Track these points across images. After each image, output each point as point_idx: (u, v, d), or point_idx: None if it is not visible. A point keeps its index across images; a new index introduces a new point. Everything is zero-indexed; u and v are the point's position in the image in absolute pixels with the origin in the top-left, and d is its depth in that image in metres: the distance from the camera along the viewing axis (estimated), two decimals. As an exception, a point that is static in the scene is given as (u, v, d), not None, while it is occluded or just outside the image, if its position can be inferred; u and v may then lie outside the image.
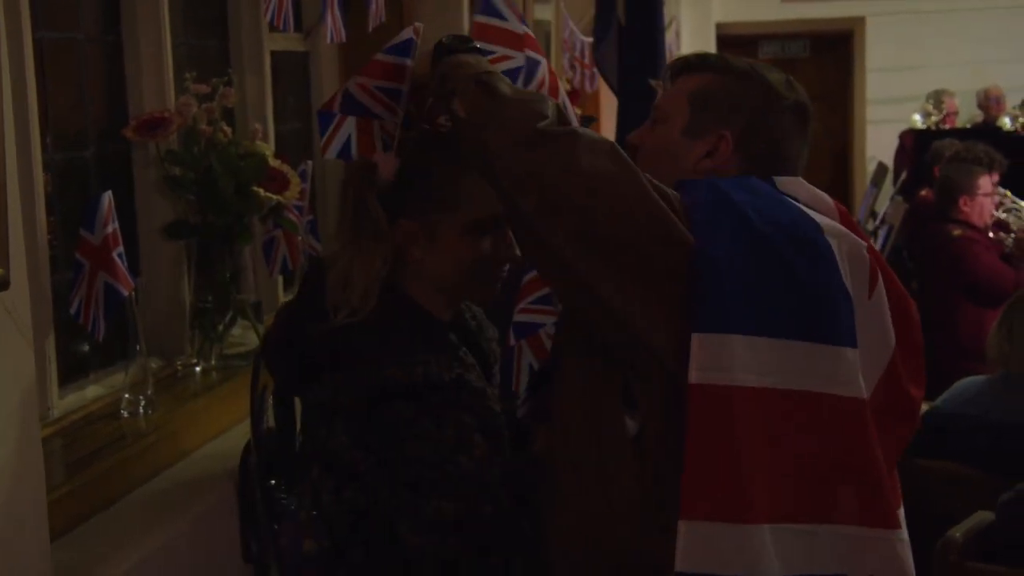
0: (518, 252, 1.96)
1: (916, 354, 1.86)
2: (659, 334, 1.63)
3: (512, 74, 2.07)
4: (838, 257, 1.70)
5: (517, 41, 2.16)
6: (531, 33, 2.20)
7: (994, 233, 5.77)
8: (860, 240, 1.77)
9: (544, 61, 2.19)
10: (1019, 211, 5.80)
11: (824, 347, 1.66)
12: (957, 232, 5.61)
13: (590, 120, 4.77)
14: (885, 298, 1.78)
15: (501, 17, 2.18)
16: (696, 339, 1.60)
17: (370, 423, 1.85)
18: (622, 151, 1.66)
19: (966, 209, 5.67)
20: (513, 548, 1.88)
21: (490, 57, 1.99)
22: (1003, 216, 5.78)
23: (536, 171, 1.62)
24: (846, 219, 1.82)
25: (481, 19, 2.17)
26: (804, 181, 1.83)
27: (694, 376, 1.60)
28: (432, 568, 1.87)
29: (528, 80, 2.15)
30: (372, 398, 1.84)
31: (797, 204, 1.75)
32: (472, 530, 1.84)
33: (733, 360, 1.61)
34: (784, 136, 1.84)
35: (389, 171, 1.94)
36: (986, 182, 5.72)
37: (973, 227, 5.67)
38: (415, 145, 1.98)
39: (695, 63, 1.90)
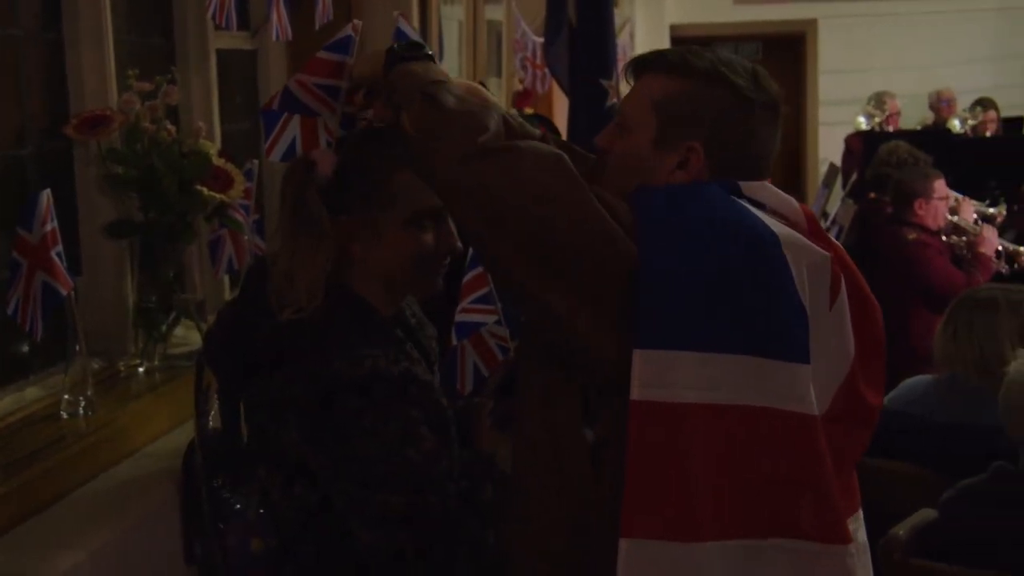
0: (459, 244, 1.98)
1: (877, 357, 1.85)
2: (605, 345, 1.62)
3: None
4: (794, 271, 1.66)
5: None
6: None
7: (947, 236, 5.82)
8: (822, 251, 1.73)
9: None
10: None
11: (773, 362, 1.63)
12: (912, 236, 5.66)
13: (540, 119, 4.74)
14: (847, 308, 1.76)
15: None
16: (638, 355, 1.59)
17: (321, 420, 1.85)
18: (568, 163, 1.65)
19: (921, 212, 5.72)
20: (459, 543, 1.88)
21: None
22: (956, 220, 5.84)
23: (478, 185, 1.61)
24: (813, 224, 1.79)
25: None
26: (770, 185, 1.80)
27: (636, 392, 1.59)
28: (382, 564, 1.86)
29: None
30: (322, 394, 1.84)
31: (757, 214, 1.71)
32: (421, 523, 1.84)
33: (677, 376, 1.60)
34: (754, 137, 1.81)
35: (327, 168, 1.94)
36: (941, 186, 5.77)
37: (927, 230, 5.72)
38: (353, 141, 1.98)
39: (654, 61, 1.85)
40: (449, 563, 1.88)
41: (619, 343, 1.61)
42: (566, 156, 1.68)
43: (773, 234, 1.67)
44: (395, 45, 1.85)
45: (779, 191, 1.81)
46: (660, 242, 1.63)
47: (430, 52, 1.87)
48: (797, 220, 1.77)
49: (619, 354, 1.60)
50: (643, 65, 1.86)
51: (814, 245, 1.73)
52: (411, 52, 1.83)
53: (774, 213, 1.75)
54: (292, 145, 2.02)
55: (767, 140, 1.83)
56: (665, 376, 1.59)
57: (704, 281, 1.61)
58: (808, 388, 1.65)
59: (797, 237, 1.71)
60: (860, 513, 1.82)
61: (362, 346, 1.87)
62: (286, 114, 2.02)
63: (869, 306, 1.84)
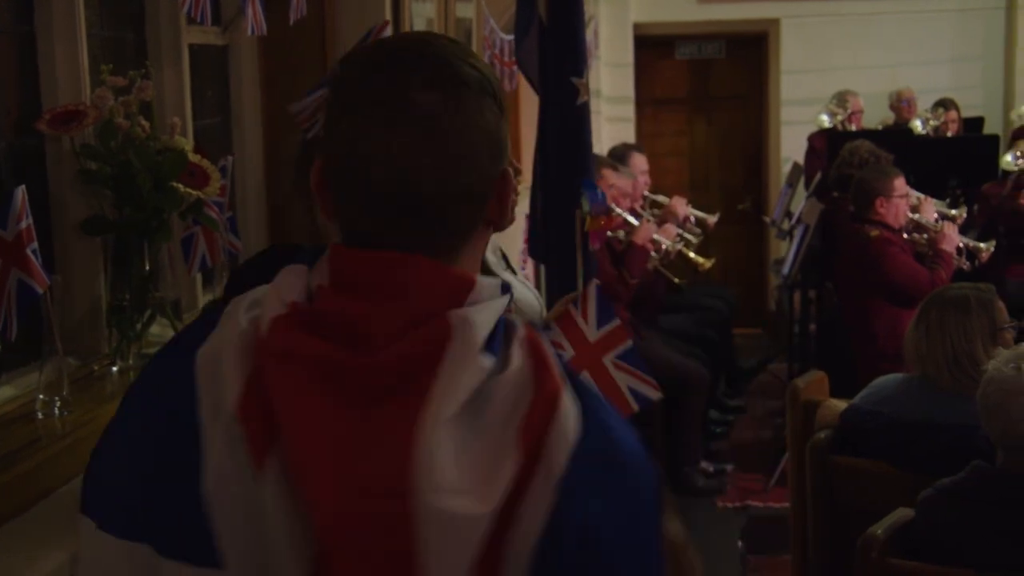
0: None
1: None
2: None
3: None
4: (208, 450, 1.18)
5: None
6: None
7: (908, 234, 5.89)
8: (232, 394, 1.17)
9: None
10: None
11: (167, 563, 1.19)
12: (874, 233, 5.72)
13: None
14: (296, 466, 1.13)
15: None
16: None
17: None
18: None
19: (882, 211, 5.79)
20: None
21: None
22: (917, 217, 5.90)
23: None
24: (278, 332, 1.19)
25: None
26: (287, 276, 1.26)
27: None
28: None
29: None
30: None
31: (191, 385, 1.20)
32: None
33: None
34: (355, 142, 1.24)
35: None
36: (901, 184, 5.84)
37: (889, 228, 5.78)
38: None
39: None
40: None
41: None
42: None
43: (189, 408, 1.20)
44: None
45: (288, 276, 1.26)
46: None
47: None
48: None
49: None
50: None
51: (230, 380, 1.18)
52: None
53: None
54: None
55: (368, 145, 1.23)
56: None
57: (121, 450, 1.26)
58: None
59: (225, 398, 1.18)
60: None
61: None
62: None
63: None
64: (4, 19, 2.80)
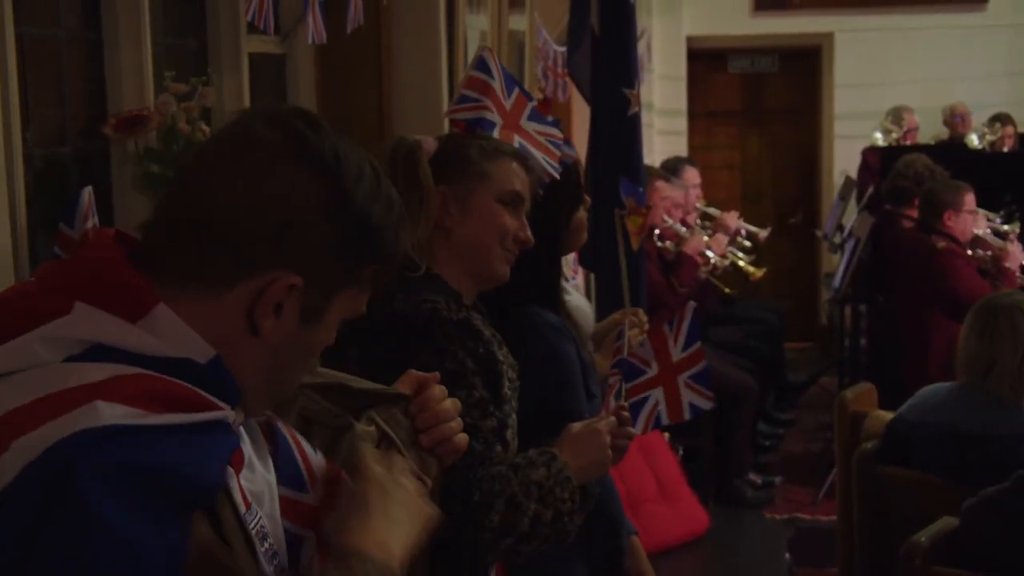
0: (531, 236, 2.14)
1: None
2: None
3: (482, 123, 2.30)
4: None
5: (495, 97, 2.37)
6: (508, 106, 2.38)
7: (971, 250, 5.86)
8: None
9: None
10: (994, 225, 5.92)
11: None
12: (941, 244, 5.68)
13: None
14: None
15: (490, 75, 2.39)
16: None
17: (380, 352, 1.94)
18: None
19: (950, 224, 5.76)
20: (493, 497, 1.91)
21: (469, 105, 2.25)
22: (981, 233, 5.87)
23: None
24: None
25: (474, 74, 2.38)
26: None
27: None
28: None
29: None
30: (383, 329, 1.96)
31: None
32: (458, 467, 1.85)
33: None
34: None
35: (431, 149, 2.12)
36: (971, 199, 5.81)
37: (956, 241, 5.75)
38: (452, 136, 2.22)
39: None
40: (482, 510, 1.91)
41: None
42: None
43: None
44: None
45: None
46: None
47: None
48: None
49: None
50: None
51: None
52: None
53: None
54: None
55: None
56: None
57: None
58: None
59: None
60: None
61: (424, 292, 2.00)
62: None
63: None
64: (73, 26, 2.90)
